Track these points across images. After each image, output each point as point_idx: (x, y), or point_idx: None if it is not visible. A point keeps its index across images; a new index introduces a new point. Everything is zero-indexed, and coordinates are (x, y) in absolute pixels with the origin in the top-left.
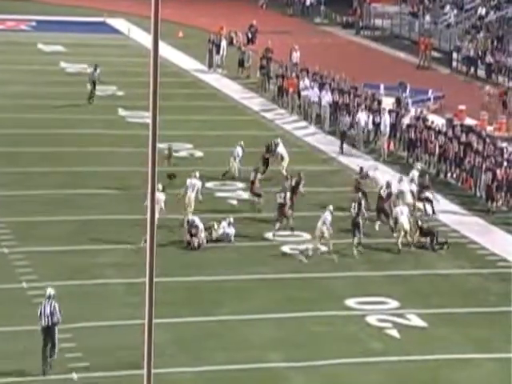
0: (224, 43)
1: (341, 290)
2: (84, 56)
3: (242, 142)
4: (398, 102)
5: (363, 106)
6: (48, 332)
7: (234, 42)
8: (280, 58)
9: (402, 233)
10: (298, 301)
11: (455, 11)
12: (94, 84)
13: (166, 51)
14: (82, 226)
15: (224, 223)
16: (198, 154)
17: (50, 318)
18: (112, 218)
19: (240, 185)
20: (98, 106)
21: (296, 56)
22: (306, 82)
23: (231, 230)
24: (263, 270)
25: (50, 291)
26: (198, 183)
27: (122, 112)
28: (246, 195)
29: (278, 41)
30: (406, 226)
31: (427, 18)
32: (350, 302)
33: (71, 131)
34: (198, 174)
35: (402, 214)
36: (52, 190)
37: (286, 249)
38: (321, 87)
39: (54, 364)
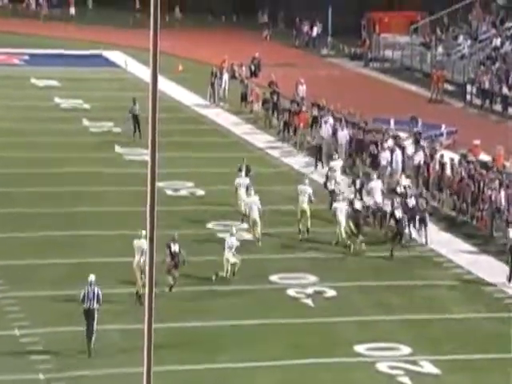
0: (226, 76)
1: (349, 336)
2: (79, 90)
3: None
4: (416, 138)
5: (388, 144)
6: (89, 314)
7: (237, 75)
8: (285, 92)
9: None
10: (304, 347)
11: (469, 42)
12: (136, 118)
13: (165, 85)
14: (76, 269)
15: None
16: (199, 192)
17: (91, 302)
18: (107, 261)
19: (243, 225)
20: (94, 143)
21: (302, 89)
22: (328, 118)
23: (234, 240)
24: (268, 315)
25: (92, 277)
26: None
27: (119, 149)
28: (248, 236)
29: (283, 73)
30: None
31: (440, 49)
32: (360, 348)
33: (66, 170)
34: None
35: (341, 211)
36: (45, 231)
37: (291, 292)
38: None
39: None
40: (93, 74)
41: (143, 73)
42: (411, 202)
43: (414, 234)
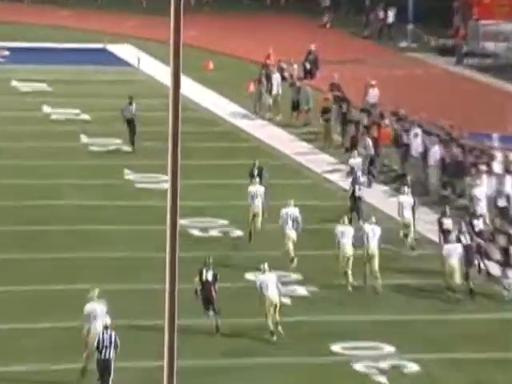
0: (277, 77)
1: None
2: (76, 97)
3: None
4: None
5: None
6: (106, 366)
7: (286, 75)
8: (350, 97)
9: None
10: None
11: None
12: (131, 123)
13: (191, 88)
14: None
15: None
16: (236, 233)
17: (108, 351)
18: None
19: (295, 276)
20: (97, 166)
21: (373, 94)
22: (416, 131)
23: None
24: None
25: (108, 320)
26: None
27: (128, 174)
28: (302, 290)
29: (348, 73)
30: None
31: None
32: None
33: (58, 202)
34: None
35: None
36: (33, 285)
37: (359, 367)
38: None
39: None
40: (94, 74)
41: (161, 72)
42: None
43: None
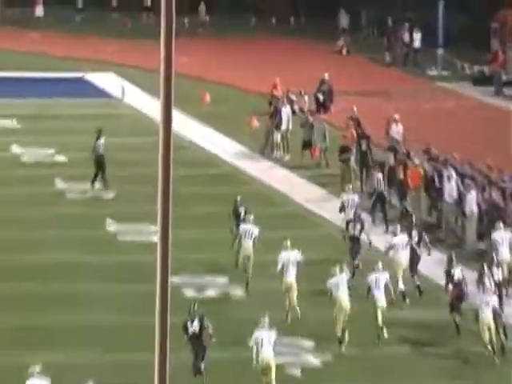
0: (288, 110)
1: None
2: (50, 135)
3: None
4: None
5: None
6: None
7: (296, 108)
8: (370, 133)
9: None
10: None
11: None
12: (99, 160)
13: (185, 125)
14: None
15: None
16: (236, 292)
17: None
18: None
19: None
20: (73, 215)
21: (397, 130)
22: (450, 173)
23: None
24: None
25: None
26: None
27: (111, 226)
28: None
29: (368, 106)
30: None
31: None
32: None
33: (32, 256)
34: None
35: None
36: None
37: None
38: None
39: None
40: (71, 107)
41: (149, 105)
42: None
43: None
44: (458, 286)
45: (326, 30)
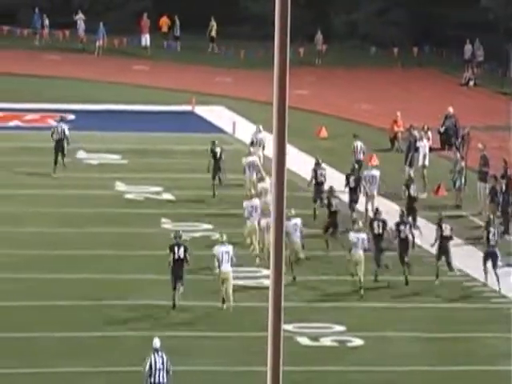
0: (425, 145)
1: None
2: (155, 172)
3: None
4: None
5: None
6: None
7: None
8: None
9: None
10: None
11: None
12: (60, 144)
13: (301, 162)
14: None
15: None
16: (356, 342)
17: (161, 374)
18: None
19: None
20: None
21: None
22: None
23: None
24: None
25: (157, 342)
26: None
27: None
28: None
29: (498, 142)
30: None
31: None
32: None
33: (131, 301)
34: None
35: None
36: None
37: None
38: None
39: None
40: (179, 143)
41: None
42: None
43: None
44: None
45: (452, 60)
